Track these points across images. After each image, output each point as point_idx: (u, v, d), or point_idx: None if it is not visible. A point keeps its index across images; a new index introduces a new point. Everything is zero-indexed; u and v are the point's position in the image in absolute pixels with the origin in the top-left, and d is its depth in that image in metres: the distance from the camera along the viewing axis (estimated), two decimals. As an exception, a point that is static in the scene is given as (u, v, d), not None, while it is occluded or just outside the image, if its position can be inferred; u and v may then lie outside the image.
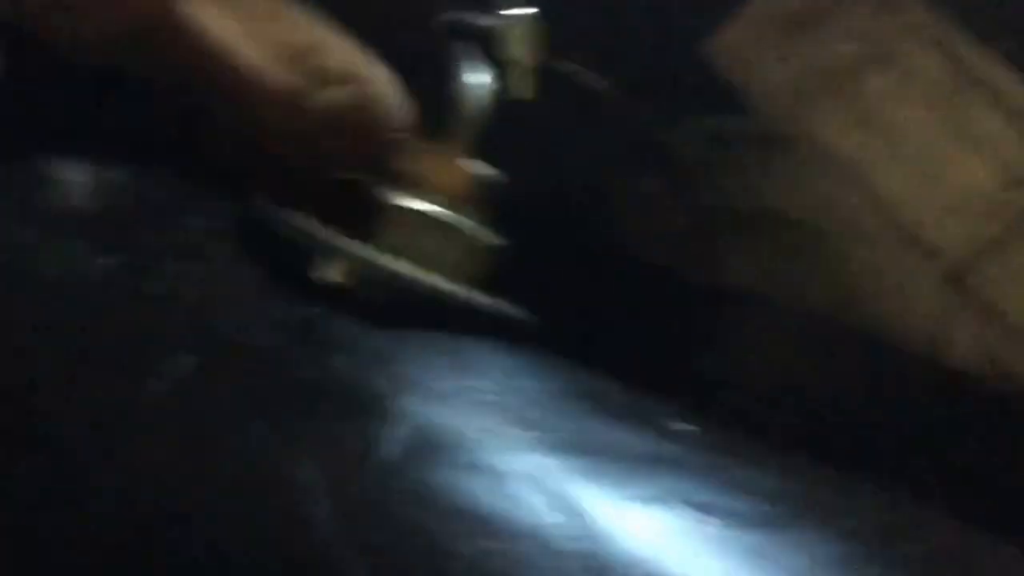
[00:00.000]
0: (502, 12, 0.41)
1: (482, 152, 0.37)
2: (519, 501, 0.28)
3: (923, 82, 0.44)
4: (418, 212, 0.34)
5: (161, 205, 0.34)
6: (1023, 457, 0.42)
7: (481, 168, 0.36)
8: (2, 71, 0.34)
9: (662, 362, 0.44)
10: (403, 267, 0.33)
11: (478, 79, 0.37)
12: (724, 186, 0.47)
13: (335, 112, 0.34)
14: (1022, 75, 0.44)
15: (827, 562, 0.29)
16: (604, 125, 0.48)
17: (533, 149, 0.44)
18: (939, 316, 0.43)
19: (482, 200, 0.36)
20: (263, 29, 0.34)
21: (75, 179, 0.33)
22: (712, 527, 0.29)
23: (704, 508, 0.29)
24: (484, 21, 0.41)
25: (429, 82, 0.37)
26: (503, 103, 0.38)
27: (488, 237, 0.36)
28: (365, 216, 0.34)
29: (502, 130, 0.37)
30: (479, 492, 0.28)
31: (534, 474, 0.29)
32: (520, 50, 0.41)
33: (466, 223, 0.35)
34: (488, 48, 0.41)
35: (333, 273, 0.33)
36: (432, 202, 0.35)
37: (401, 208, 0.34)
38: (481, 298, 0.34)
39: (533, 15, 0.41)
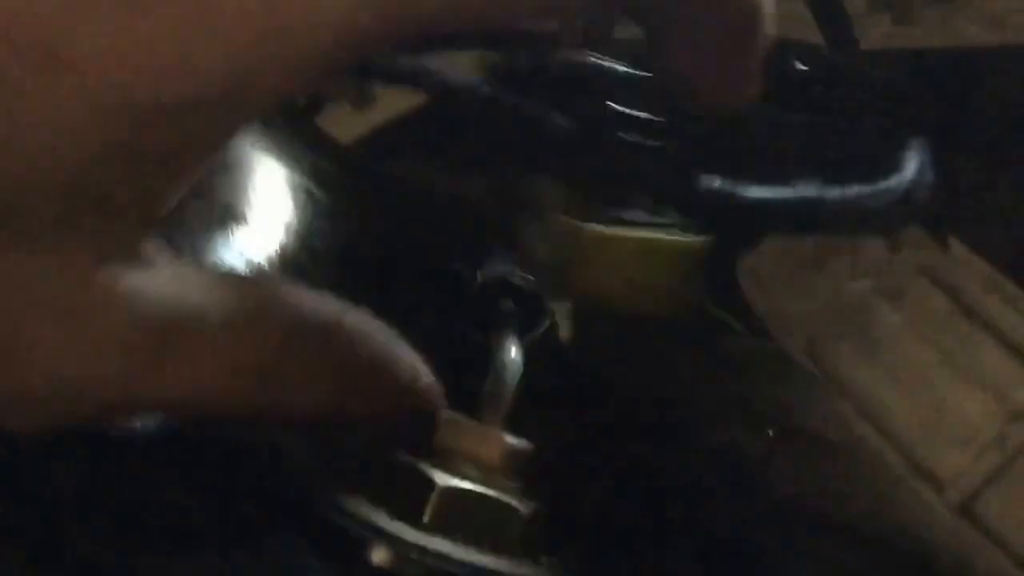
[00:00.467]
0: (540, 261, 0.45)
1: (512, 425, 0.40)
2: None
3: (929, 319, 0.47)
4: (464, 491, 0.37)
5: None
6: None
7: (515, 440, 0.39)
8: None
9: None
10: (449, 547, 0.36)
11: (513, 354, 0.40)
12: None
13: None
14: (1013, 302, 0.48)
15: None
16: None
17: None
18: (955, 545, 0.45)
19: (519, 471, 0.39)
20: None
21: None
22: None
23: None
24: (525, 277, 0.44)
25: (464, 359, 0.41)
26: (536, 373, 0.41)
27: (528, 507, 0.39)
28: (413, 496, 0.37)
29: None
30: None
31: None
32: (559, 299, 0.44)
33: (507, 497, 0.38)
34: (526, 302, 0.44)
35: (383, 556, 0.36)
36: (473, 477, 0.38)
37: (447, 488, 0.37)
38: (526, 569, 0.37)
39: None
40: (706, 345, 0.51)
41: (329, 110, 0.54)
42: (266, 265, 0.42)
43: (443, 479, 0.37)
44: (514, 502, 0.37)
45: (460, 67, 0.44)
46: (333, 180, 0.47)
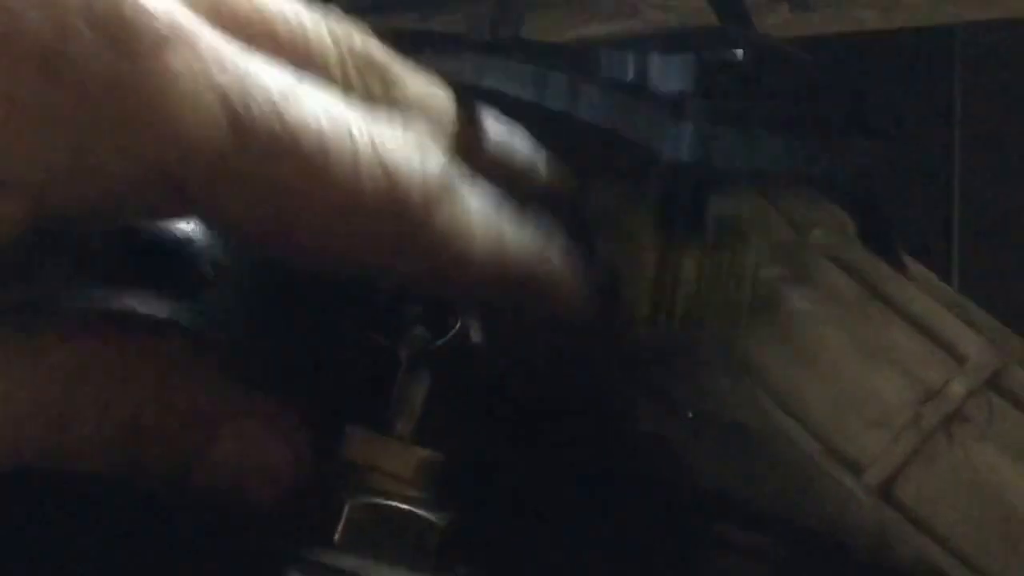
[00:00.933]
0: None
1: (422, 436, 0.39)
2: None
3: (839, 303, 0.47)
4: (375, 506, 0.37)
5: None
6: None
7: (426, 451, 0.39)
8: None
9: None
10: (364, 566, 0.36)
11: (420, 363, 0.40)
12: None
13: None
14: (919, 283, 0.48)
15: None
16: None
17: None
18: (876, 528, 0.45)
19: (431, 482, 0.39)
20: None
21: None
22: None
23: None
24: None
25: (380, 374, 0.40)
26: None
27: (442, 518, 0.38)
28: (327, 518, 0.37)
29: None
30: None
31: None
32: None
33: (420, 510, 0.37)
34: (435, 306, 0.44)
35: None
36: (385, 492, 0.37)
37: (358, 504, 0.37)
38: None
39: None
40: (619, 336, 0.51)
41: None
42: (172, 281, 0.41)
43: (353, 495, 0.37)
44: (427, 514, 0.37)
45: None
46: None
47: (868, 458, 0.45)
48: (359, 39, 0.36)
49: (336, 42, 0.34)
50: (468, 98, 0.42)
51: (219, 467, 0.34)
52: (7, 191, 0.26)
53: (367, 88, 0.35)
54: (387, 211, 0.31)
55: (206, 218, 0.32)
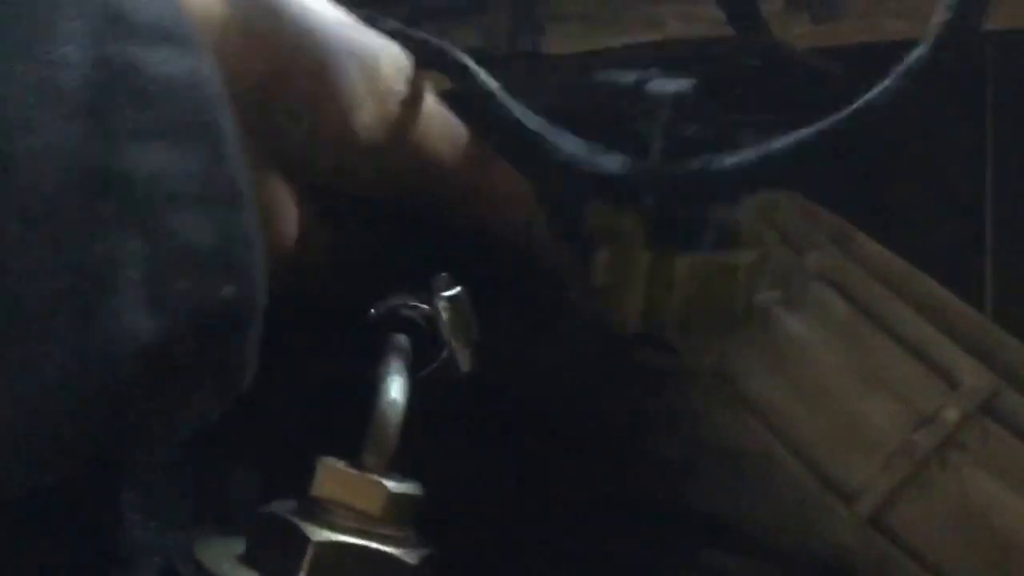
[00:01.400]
0: (435, 296, 0.44)
1: (400, 467, 0.39)
2: None
3: (831, 327, 0.47)
4: (341, 544, 0.37)
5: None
6: None
7: (400, 485, 0.39)
8: None
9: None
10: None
11: (396, 394, 0.39)
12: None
13: None
14: (918, 309, 0.47)
15: None
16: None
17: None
18: (869, 557, 0.45)
19: (406, 517, 0.39)
20: None
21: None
22: None
23: None
24: (418, 308, 0.44)
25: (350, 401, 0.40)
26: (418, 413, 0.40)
27: (414, 556, 0.38)
28: (289, 553, 0.36)
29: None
30: None
31: None
32: (457, 330, 0.43)
33: (389, 548, 0.37)
34: (423, 334, 0.43)
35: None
36: (353, 530, 0.37)
37: (323, 543, 0.36)
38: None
39: (460, 292, 0.44)
40: (618, 362, 0.51)
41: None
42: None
43: (318, 534, 0.36)
44: (398, 553, 0.37)
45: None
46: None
47: (860, 486, 0.45)
48: None
49: None
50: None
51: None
52: None
53: None
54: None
55: None
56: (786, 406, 0.46)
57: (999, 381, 0.44)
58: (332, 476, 0.38)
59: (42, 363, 0.25)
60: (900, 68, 0.42)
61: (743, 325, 0.48)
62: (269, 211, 0.37)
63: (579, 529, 0.50)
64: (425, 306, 0.43)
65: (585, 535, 0.49)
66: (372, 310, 0.44)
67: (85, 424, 0.28)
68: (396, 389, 0.39)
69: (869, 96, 0.43)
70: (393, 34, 0.45)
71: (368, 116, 0.41)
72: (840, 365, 0.46)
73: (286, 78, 0.37)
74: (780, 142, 0.45)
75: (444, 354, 0.43)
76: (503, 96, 0.48)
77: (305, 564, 0.36)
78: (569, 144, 0.47)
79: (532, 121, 0.47)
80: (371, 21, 0.44)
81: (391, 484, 0.38)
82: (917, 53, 0.42)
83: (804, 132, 0.44)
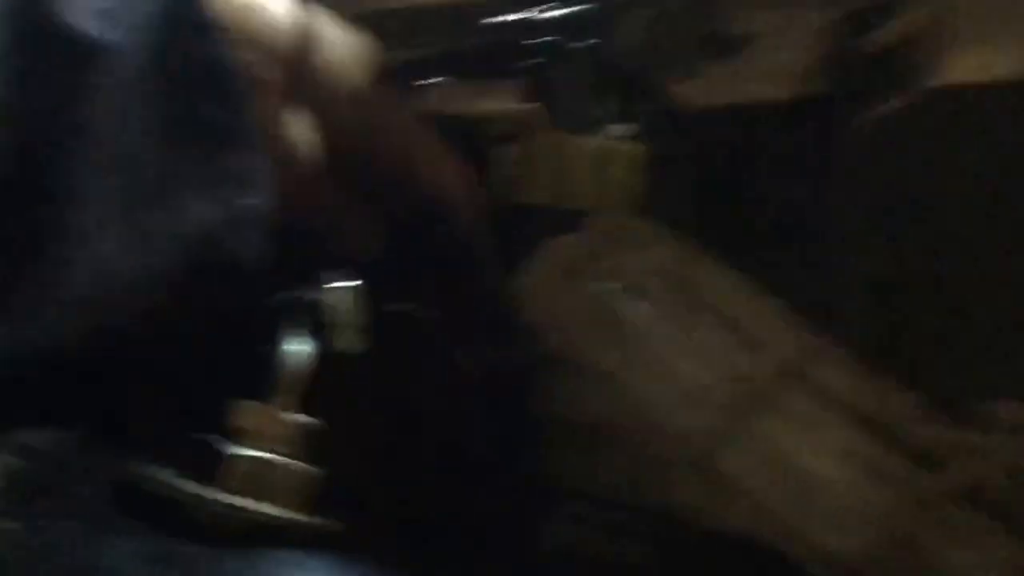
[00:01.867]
0: (328, 286, 0.52)
1: (307, 405, 0.47)
2: None
3: (663, 308, 0.56)
4: (248, 457, 0.45)
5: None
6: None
7: (303, 419, 0.47)
8: None
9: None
10: (244, 502, 0.44)
11: (300, 345, 0.48)
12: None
13: None
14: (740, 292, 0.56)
15: None
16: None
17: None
18: (700, 497, 0.54)
19: (305, 444, 0.47)
20: None
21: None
22: None
23: None
24: (311, 296, 0.52)
25: (258, 352, 0.48)
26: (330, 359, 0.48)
27: (305, 470, 0.46)
28: (212, 464, 0.45)
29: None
30: None
31: None
32: (347, 315, 0.52)
33: (285, 461, 0.46)
34: (316, 317, 0.52)
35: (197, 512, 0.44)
36: (262, 450, 0.46)
37: (235, 456, 0.45)
38: (309, 520, 0.45)
39: (357, 287, 0.52)
40: (481, 354, 0.59)
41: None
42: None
43: (231, 449, 0.45)
44: (292, 465, 0.45)
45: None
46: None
47: (688, 431, 0.54)
48: None
49: None
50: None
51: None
52: None
53: None
54: None
55: None
56: (636, 381, 0.55)
57: (798, 350, 0.54)
58: (248, 411, 0.46)
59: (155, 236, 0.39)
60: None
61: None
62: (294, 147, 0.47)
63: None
64: (312, 296, 0.52)
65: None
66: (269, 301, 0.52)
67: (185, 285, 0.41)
68: (296, 343, 0.48)
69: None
70: None
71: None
72: (673, 341, 0.55)
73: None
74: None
75: (327, 334, 0.51)
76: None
77: (221, 471, 0.44)
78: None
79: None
80: None
81: (300, 416, 0.46)
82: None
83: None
